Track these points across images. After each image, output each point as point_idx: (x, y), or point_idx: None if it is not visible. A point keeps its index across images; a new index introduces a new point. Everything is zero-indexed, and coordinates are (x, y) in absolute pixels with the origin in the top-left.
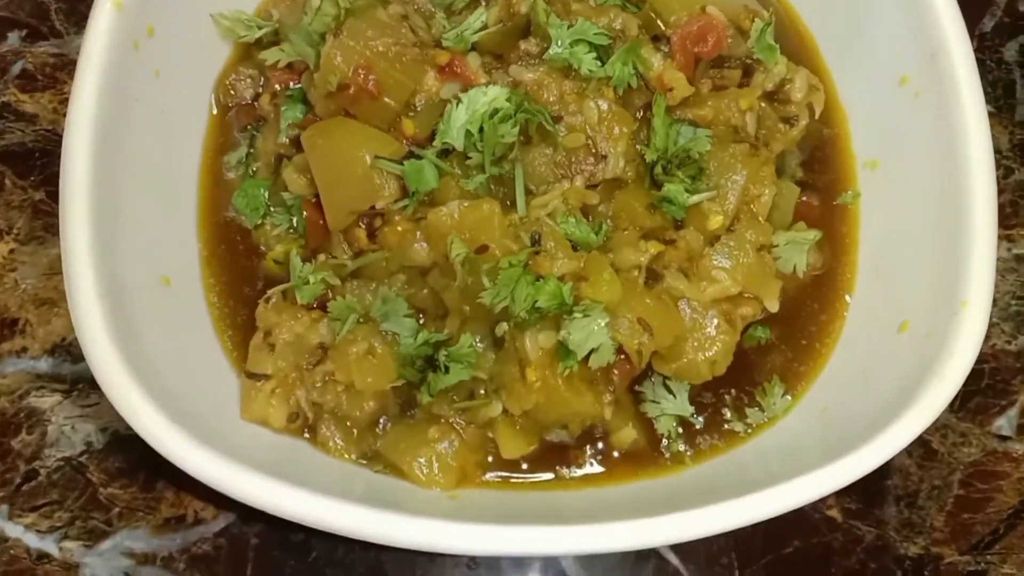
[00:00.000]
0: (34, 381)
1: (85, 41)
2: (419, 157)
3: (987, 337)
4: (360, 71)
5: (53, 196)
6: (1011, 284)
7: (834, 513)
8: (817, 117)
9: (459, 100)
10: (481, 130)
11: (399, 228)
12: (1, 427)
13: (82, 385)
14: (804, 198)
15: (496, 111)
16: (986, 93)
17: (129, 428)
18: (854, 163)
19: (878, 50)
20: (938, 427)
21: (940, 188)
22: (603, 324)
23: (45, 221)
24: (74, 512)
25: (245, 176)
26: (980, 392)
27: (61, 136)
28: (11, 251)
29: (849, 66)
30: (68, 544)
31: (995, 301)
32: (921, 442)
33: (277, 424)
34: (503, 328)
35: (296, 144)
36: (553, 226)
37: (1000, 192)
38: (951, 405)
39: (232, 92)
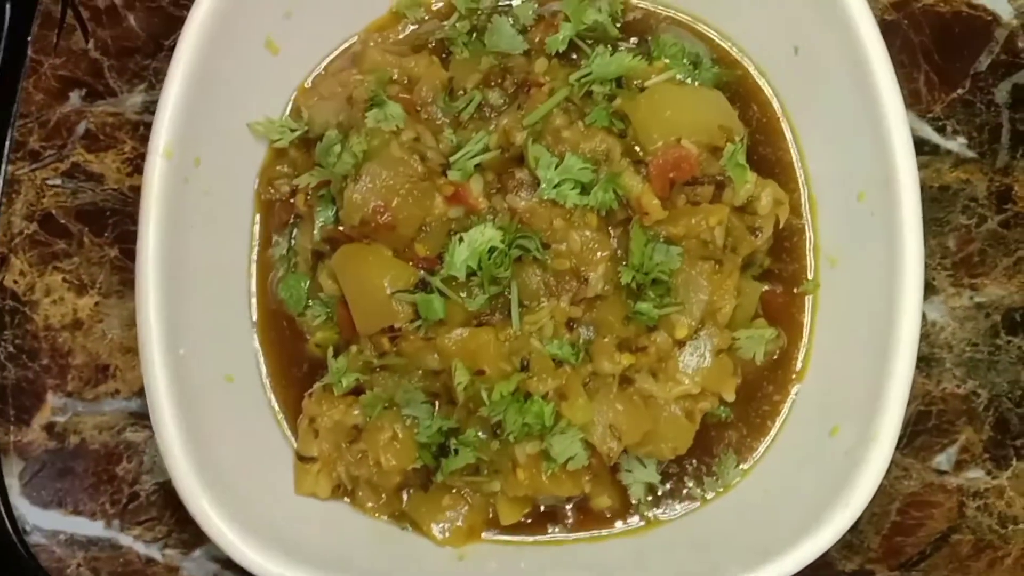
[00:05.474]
0: (128, 418)
1: (143, 194)
2: (429, 285)
3: (938, 381)
4: (378, 210)
5: (126, 253)
6: (968, 332)
7: None
8: (781, 227)
9: (461, 239)
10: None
11: (414, 345)
12: (106, 457)
13: None
14: (769, 286)
15: (493, 249)
16: (971, 137)
17: None
18: (819, 255)
19: (844, 161)
20: None
21: (875, 317)
22: (577, 440)
23: (122, 276)
24: (170, 526)
25: (288, 270)
26: (926, 432)
27: (128, 195)
28: (96, 304)
29: (823, 165)
30: (169, 551)
31: (951, 347)
32: None
33: (324, 495)
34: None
35: (330, 242)
36: (540, 349)
37: (971, 241)
38: (898, 444)
39: (272, 189)
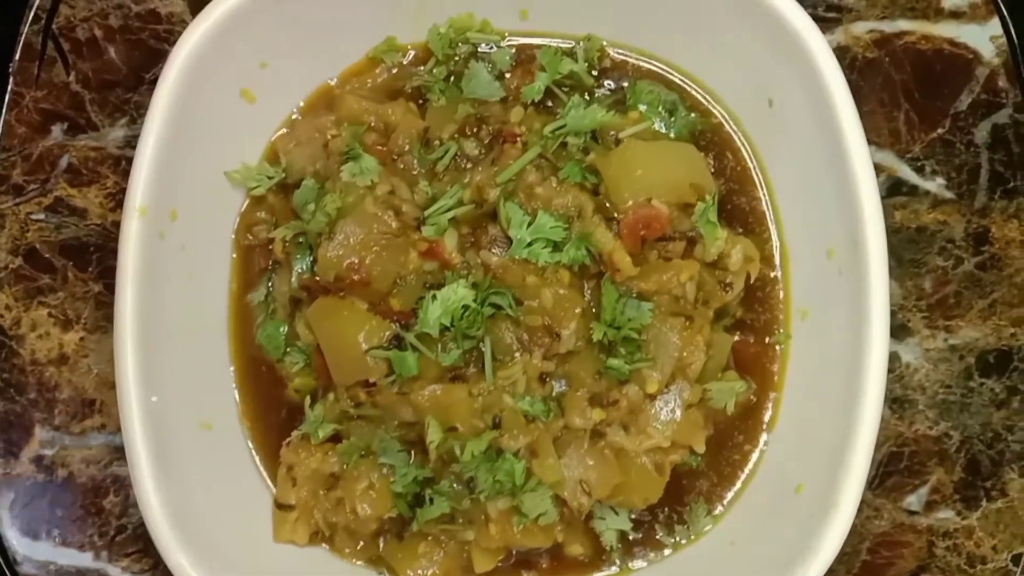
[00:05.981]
0: (113, 452)
1: (119, 250)
2: (403, 341)
3: (911, 422)
4: (352, 267)
5: (110, 288)
6: (942, 373)
7: None
8: (752, 282)
9: (434, 297)
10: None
11: (389, 399)
12: (94, 490)
13: None
14: (741, 336)
15: (466, 307)
16: (950, 178)
17: None
18: (791, 306)
19: (815, 217)
20: None
21: (840, 377)
22: (548, 497)
23: (106, 312)
24: (157, 558)
25: (267, 317)
26: (898, 472)
27: (111, 230)
28: (81, 339)
29: (795, 219)
30: None
31: (924, 389)
32: None
33: (302, 542)
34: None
35: (307, 290)
36: (513, 406)
37: (947, 282)
38: (870, 484)
39: (250, 235)
